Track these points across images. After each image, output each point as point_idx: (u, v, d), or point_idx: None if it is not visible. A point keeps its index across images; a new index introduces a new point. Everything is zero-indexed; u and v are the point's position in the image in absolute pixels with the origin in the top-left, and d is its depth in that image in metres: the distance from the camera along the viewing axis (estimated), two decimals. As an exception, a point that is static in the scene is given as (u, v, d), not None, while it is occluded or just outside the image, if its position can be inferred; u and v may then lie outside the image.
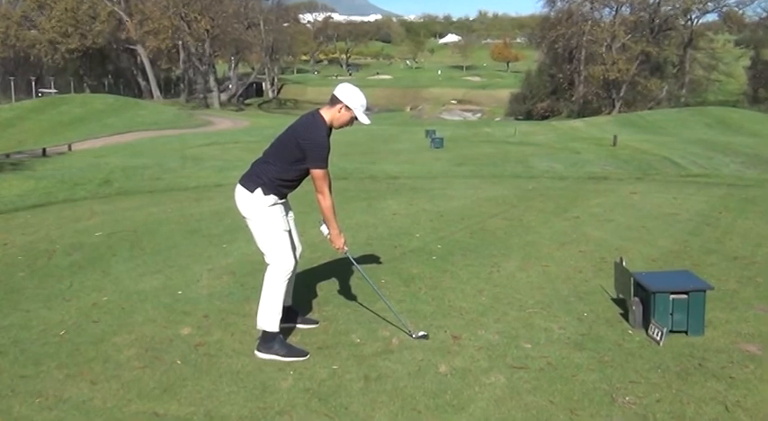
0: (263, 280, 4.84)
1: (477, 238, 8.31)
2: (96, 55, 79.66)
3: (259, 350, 4.78)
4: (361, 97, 4.80)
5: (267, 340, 4.78)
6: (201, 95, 77.08)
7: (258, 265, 6.33)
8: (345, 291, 6.13)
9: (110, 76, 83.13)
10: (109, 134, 40.70)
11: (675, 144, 30.57)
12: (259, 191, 4.73)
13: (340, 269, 6.65)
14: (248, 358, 4.72)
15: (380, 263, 7.01)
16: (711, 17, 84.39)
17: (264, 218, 4.76)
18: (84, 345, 4.96)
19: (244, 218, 4.85)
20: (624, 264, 5.57)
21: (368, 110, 4.95)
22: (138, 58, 79.11)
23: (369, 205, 10.85)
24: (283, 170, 4.75)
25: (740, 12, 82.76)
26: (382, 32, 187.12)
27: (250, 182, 4.78)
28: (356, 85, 4.88)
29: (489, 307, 5.76)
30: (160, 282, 6.55)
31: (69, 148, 31.65)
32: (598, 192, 12.56)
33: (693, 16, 76.74)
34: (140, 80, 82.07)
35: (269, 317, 4.79)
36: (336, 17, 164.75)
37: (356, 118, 4.83)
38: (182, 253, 7.74)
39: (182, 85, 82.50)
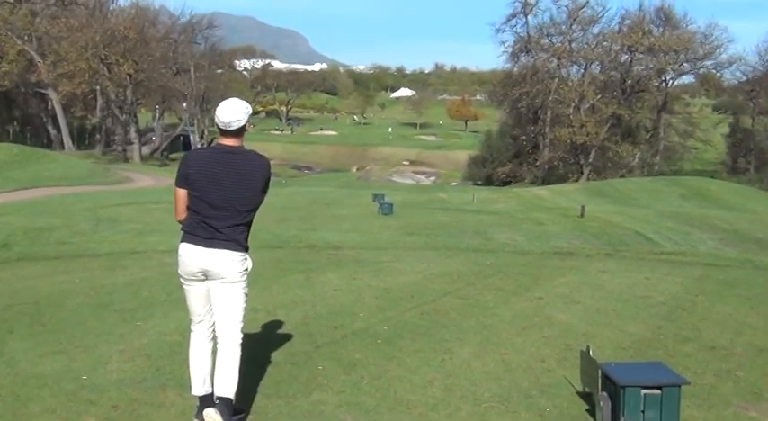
0: (230, 355, 4.95)
1: (428, 320, 8.31)
2: (1, 98, 78.98)
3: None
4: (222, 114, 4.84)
5: (233, 410, 4.90)
6: (120, 148, 76.53)
7: (177, 347, 6.24)
8: (277, 379, 6.04)
9: (15, 123, 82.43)
10: (11, 189, 39.95)
11: (649, 217, 31.24)
12: (248, 253, 4.96)
13: (272, 350, 6.57)
14: (161, 457, 4.59)
15: (318, 346, 6.95)
16: (687, 79, 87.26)
17: (247, 282, 5.01)
18: (-32, 440, 4.79)
19: (227, 282, 4.89)
20: (591, 353, 5.62)
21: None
22: (50, 104, 78.54)
23: (306, 278, 10.80)
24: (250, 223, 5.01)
25: (718, 75, 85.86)
26: (327, 83, 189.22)
27: (236, 244, 4.88)
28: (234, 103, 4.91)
29: (441, 400, 5.74)
30: (62, 365, 6.38)
31: (-37, 204, 31.01)
32: (564, 269, 12.69)
33: (668, 78, 79.08)
34: (50, 128, 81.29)
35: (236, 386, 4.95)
36: (277, 65, 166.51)
37: None
38: (89, 330, 7.58)
39: (98, 136, 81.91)
